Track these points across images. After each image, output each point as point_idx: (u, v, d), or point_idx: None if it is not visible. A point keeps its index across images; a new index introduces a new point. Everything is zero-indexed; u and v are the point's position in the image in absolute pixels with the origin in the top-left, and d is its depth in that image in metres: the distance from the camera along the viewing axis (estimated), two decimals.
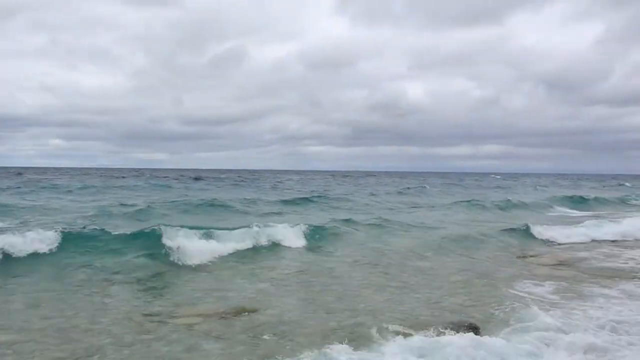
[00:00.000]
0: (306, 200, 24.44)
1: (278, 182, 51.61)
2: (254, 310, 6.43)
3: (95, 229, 10.95)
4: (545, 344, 5.07)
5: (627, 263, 10.17)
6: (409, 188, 40.07)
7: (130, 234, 10.52)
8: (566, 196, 29.75)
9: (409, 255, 10.63)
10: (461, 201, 25.40)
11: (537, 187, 50.02)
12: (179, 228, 10.33)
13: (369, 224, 14.72)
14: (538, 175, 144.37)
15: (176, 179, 52.29)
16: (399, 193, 33.98)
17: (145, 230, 10.48)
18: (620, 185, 57.64)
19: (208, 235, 10.57)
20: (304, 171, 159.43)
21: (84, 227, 11.14)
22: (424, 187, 42.13)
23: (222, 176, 67.98)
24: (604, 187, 51.19)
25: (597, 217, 19.57)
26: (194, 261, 9.23)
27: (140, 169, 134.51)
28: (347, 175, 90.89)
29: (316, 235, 12.25)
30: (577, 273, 9.14)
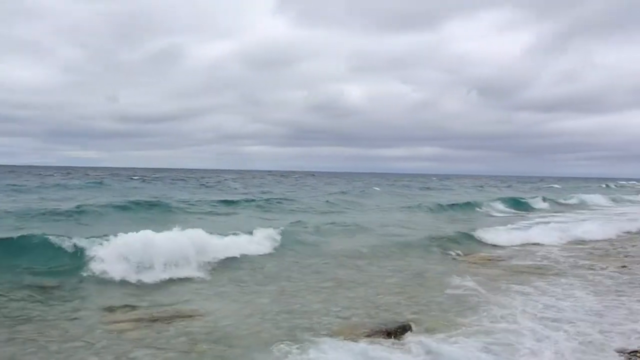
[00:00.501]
0: (248, 201, 23.84)
1: (217, 182, 50.73)
2: (188, 316, 6.31)
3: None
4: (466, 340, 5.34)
5: (554, 262, 10.77)
6: (353, 189, 40.51)
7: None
8: (505, 197, 30.65)
9: (347, 257, 10.73)
10: (409, 204, 25.67)
11: (479, 188, 52.08)
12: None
13: (312, 225, 14.72)
14: (471, 176, 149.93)
15: (111, 177, 50.34)
16: (343, 193, 34.18)
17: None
18: (549, 187, 60.75)
19: None
20: (242, 171, 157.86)
21: None
22: (370, 188, 42.40)
23: (159, 175, 66.15)
24: (539, 189, 53.75)
25: (533, 217, 20.69)
26: None
27: (70, 167, 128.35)
28: (285, 176, 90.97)
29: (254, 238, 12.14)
30: (502, 272, 9.60)
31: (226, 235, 11.06)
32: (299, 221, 15.10)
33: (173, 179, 53.34)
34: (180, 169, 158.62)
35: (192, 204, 20.96)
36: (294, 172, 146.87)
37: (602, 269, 9.72)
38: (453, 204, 25.34)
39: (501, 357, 4.98)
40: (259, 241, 11.18)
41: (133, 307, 6.67)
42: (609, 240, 14.17)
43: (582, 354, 5.11)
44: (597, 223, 17.21)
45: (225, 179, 59.93)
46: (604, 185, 67.36)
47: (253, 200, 23.93)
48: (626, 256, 11.35)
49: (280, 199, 25.78)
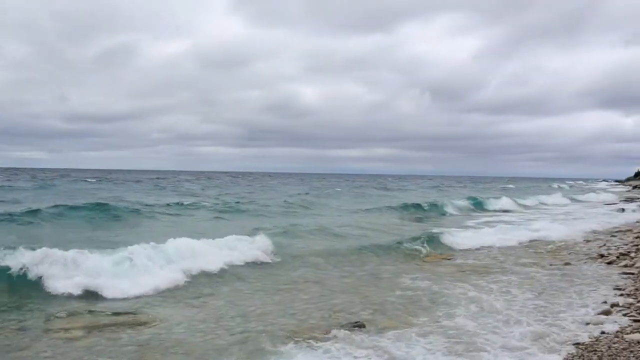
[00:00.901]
0: (206, 204, 23.03)
1: (173, 183, 49.73)
2: (142, 323, 6.20)
3: None
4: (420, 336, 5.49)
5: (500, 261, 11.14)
6: (311, 189, 40.36)
7: None
8: (464, 197, 30.95)
9: (306, 258, 10.75)
10: (371, 205, 25.70)
11: (436, 188, 52.99)
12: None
13: (275, 228, 14.53)
14: (424, 177, 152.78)
15: (60, 179, 48.59)
16: (305, 194, 33.74)
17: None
18: (503, 187, 62.11)
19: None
20: (197, 172, 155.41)
21: None
22: (331, 189, 42.14)
23: (112, 176, 64.38)
24: (494, 189, 54.97)
25: (493, 217, 21.27)
26: None
27: (18, 168, 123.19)
28: (241, 177, 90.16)
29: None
30: (456, 271, 9.87)
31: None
32: (258, 228, 14.65)
33: (127, 181, 52.06)
34: (134, 170, 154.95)
35: (151, 206, 20.32)
36: (250, 173, 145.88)
37: (544, 267, 10.15)
38: (414, 204, 25.30)
39: (447, 353, 5.15)
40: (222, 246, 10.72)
41: (84, 314, 6.50)
42: (565, 240, 14.51)
43: (510, 351, 5.33)
44: (553, 223, 17.88)
45: (178, 180, 58.97)
46: (555, 186, 69.66)
47: (217, 204, 23.24)
48: (570, 253, 11.85)
49: (240, 201, 25.21)
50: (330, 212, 23.23)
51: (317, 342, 5.42)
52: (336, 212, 23.26)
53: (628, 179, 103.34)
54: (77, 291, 7.49)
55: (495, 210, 26.98)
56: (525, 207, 30.32)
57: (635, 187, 64.71)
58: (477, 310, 6.84)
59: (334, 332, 5.75)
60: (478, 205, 27.86)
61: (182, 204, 22.29)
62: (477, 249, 12.66)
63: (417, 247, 12.03)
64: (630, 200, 34.46)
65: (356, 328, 5.98)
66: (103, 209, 17.36)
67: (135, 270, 8.37)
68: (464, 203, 27.71)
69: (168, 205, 21.36)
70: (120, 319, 6.34)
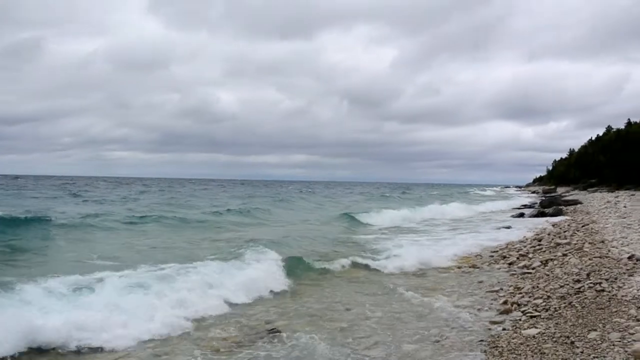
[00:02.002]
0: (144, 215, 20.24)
1: (82, 190, 46.80)
2: None
3: None
4: None
5: None
6: (246, 197, 38.86)
7: None
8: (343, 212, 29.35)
9: None
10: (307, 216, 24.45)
11: (384, 194, 53.63)
12: None
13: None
14: (343, 183, 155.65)
15: None
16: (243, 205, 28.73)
17: None
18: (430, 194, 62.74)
19: None
20: (109, 177, 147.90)
21: None
22: (261, 197, 39.90)
23: (18, 183, 59.57)
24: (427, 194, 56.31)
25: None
26: None
27: None
28: (156, 183, 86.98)
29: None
30: (368, 283, 10.18)
31: None
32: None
33: (35, 187, 48.26)
34: (40, 176, 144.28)
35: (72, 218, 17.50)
36: (167, 179, 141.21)
37: (453, 270, 10.74)
38: (346, 214, 23.43)
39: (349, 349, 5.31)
40: None
41: None
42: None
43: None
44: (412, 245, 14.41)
45: (93, 187, 55.66)
46: (472, 192, 72.87)
47: (151, 215, 20.27)
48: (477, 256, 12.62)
49: (174, 212, 22.80)
50: (268, 223, 21.04)
51: (237, 349, 5.38)
52: (277, 223, 21.05)
53: (527, 185, 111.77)
54: None
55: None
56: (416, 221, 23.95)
57: (534, 192, 70.25)
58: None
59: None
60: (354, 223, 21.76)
61: (92, 215, 19.42)
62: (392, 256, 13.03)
63: (338, 257, 11.46)
64: (530, 206, 37.02)
65: (271, 332, 6.03)
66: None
67: None
68: (386, 211, 25.29)
69: (88, 216, 18.43)
70: None
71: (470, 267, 10.91)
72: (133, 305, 6.71)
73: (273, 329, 6.47)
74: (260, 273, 9.17)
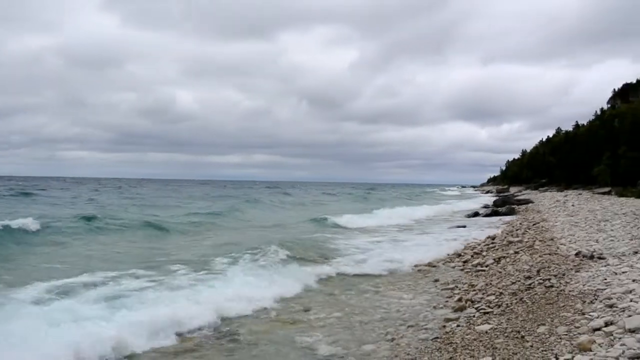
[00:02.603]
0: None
1: (38, 190, 44.82)
2: None
3: None
4: None
5: None
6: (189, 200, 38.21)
7: None
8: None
9: None
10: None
11: (351, 193, 53.14)
12: None
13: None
14: (305, 183, 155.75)
15: None
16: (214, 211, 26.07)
17: None
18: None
19: None
20: (63, 178, 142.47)
21: None
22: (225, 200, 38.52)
23: None
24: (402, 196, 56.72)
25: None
26: None
27: None
28: (113, 183, 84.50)
29: None
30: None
31: None
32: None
33: None
34: None
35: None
36: (125, 180, 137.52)
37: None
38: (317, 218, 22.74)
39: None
40: None
41: None
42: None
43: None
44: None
45: (30, 188, 53.30)
46: (435, 191, 74.19)
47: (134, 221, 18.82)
48: None
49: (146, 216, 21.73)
50: (240, 229, 19.51)
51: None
52: (251, 229, 19.41)
53: (482, 185, 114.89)
54: None
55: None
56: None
57: (488, 191, 72.24)
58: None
59: None
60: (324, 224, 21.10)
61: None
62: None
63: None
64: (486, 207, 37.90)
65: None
66: None
67: None
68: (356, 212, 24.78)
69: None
70: None
71: (426, 265, 11.11)
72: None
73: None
74: None
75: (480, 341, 5.46)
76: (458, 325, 6.30)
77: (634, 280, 6.57)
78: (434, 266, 11.06)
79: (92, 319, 6.08)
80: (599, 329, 5.05)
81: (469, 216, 26.08)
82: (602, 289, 6.50)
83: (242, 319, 7.11)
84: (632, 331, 4.72)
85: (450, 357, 5.16)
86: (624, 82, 56.08)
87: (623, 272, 7.25)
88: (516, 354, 4.91)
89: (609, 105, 53.14)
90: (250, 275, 9.20)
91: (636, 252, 8.89)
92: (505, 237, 13.87)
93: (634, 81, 53.80)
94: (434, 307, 7.47)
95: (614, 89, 57.51)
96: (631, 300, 5.62)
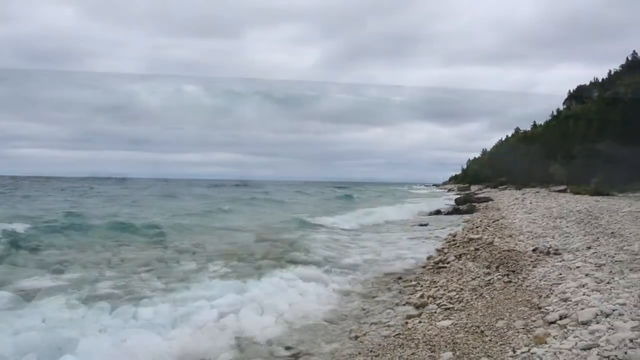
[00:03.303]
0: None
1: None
2: None
3: None
4: None
5: None
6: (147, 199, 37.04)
7: None
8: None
9: None
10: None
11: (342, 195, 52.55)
12: None
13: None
14: (270, 182, 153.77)
15: None
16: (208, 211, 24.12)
17: None
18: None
19: None
20: (14, 177, 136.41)
21: None
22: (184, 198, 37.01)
23: None
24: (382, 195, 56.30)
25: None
26: None
27: None
28: (74, 182, 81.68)
29: None
30: None
31: None
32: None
33: None
34: None
35: None
36: (85, 179, 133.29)
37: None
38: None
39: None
40: None
41: None
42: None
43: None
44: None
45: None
46: (404, 188, 74.34)
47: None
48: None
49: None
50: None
51: None
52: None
53: (444, 183, 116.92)
54: None
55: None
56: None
57: (450, 190, 73.74)
58: None
59: None
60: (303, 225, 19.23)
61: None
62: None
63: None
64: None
65: None
66: None
67: None
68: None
69: None
70: None
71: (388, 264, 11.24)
72: None
73: None
74: None
75: (442, 337, 5.56)
76: (420, 322, 6.39)
77: (586, 275, 6.82)
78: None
79: None
80: (554, 322, 5.22)
81: (430, 214, 26.53)
82: (558, 284, 6.73)
83: None
84: (585, 324, 4.90)
85: (412, 353, 5.23)
86: (578, 84, 58.29)
87: (577, 267, 7.52)
88: (476, 348, 5.02)
89: (564, 107, 55.01)
90: None
91: (589, 248, 9.23)
92: (466, 235, 14.15)
93: (587, 83, 55.95)
94: (396, 304, 7.56)
95: (569, 91, 59.58)
96: (584, 294, 5.83)
